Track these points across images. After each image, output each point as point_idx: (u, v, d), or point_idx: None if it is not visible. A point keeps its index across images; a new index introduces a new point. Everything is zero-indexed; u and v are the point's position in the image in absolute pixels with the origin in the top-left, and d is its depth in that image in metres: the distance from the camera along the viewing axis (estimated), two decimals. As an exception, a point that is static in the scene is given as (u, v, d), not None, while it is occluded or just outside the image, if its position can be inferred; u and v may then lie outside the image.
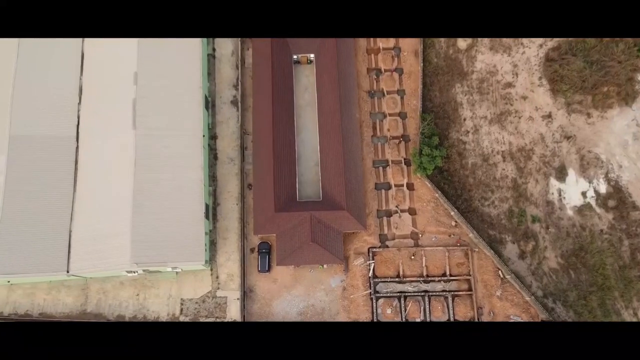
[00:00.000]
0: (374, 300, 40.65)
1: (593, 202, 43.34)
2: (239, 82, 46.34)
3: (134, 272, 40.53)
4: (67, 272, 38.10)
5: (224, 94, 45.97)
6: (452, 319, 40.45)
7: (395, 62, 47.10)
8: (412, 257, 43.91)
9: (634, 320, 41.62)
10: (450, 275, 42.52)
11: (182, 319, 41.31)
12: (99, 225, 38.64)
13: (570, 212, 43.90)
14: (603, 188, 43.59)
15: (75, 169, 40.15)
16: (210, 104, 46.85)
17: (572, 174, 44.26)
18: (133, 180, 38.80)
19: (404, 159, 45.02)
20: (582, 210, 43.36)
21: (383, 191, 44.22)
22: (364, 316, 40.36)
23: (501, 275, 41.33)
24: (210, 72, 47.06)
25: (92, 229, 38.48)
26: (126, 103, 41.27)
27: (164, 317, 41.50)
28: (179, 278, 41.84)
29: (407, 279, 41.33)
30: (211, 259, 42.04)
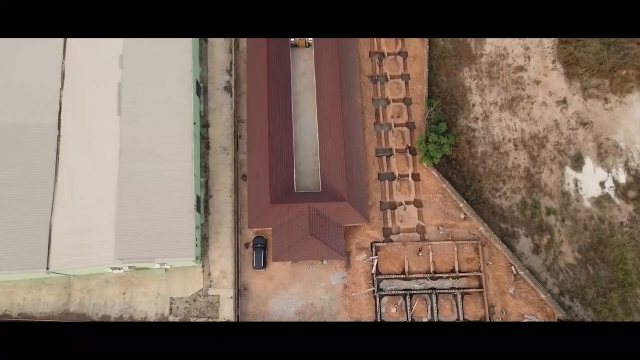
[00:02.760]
0: (378, 299, 38.62)
1: (612, 193, 41.35)
2: (233, 67, 44.30)
3: (119, 269, 38.29)
4: (47, 269, 35.60)
5: (216, 80, 43.75)
6: (461, 319, 38.35)
7: (399, 45, 44.87)
8: (419, 253, 41.94)
9: (658, 319, 43.30)
10: (460, 272, 41.75)
11: (171, 319, 39.01)
12: (81, 218, 36.44)
13: (587, 204, 41.83)
14: (622, 178, 41.81)
15: (57, 158, 37.60)
16: (202, 90, 44.46)
17: (589, 163, 42.35)
18: (117, 171, 36.60)
19: (409, 148, 42.48)
20: (601, 201, 41.35)
21: (387, 182, 42.03)
22: (366, 316, 38.33)
23: (514, 272, 39.30)
24: (202, 56, 44.81)
25: (73, 223, 36.30)
26: (111, 88, 38.93)
27: (152, 317, 39.37)
28: (168, 275, 39.52)
29: (413, 275, 39.68)
30: (202, 255, 40.01)
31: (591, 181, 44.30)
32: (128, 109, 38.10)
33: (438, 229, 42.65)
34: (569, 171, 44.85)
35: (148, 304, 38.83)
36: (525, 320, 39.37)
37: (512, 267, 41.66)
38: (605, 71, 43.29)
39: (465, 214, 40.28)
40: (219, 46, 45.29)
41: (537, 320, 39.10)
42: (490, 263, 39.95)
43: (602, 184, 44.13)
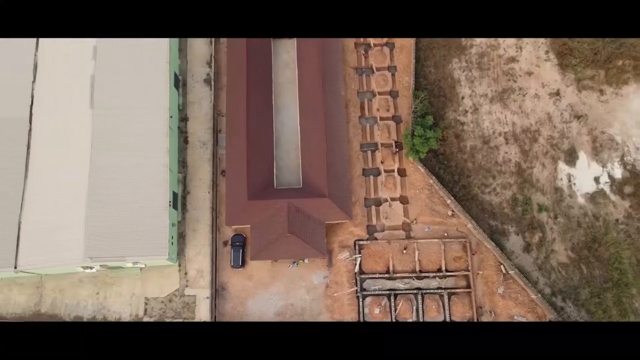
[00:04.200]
0: (361, 299, 36.56)
1: (607, 189, 39.16)
2: (213, 59, 42.70)
3: (91, 268, 36.60)
4: (15, 267, 34.24)
5: (196, 72, 42.13)
6: (448, 320, 36.39)
7: (385, 36, 49.14)
8: (404, 251, 40.54)
9: (655, 320, 42.57)
10: (447, 271, 40.62)
11: (146, 319, 37.16)
12: (51, 215, 35.35)
13: (581, 200, 39.64)
14: (618, 173, 39.58)
15: (27, 153, 36.44)
16: (180, 82, 42.54)
17: (583, 158, 40.23)
18: (89, 165, 35.38)
19: (395, 142, 41.13)
20: (595, 197, 39.17)
21: (372, 177, 40.54)
22: (349, 317, 36.32)
23: (504, 271, 37.36)
24: (182, 47, 43.14)
25: (43, 220, 35.14)
26: (84, 81, 37.59)
27: (126, 318, 37.73)
28: (143, 275, 37.87)
29: (398, 275, 37.29)
30: (179, 254, 38.51)
31: (585, 176, 42.91)
32: (101, 102, 37.08)
33: (425, 226, 41.67)
34: (562, 166, 43.45)
35: (122, 304, 37.47)
36: (515, 321, 37.38)
37: (502, 266, 40.27)
38: (601, 62, 41.41)
39: (452, 211, 38.89)
40: (199, 38, 44.69)
41: (528, 321, 36.68)
42: (481, 272, 37.01)
43: (596, 180, 42.72)
